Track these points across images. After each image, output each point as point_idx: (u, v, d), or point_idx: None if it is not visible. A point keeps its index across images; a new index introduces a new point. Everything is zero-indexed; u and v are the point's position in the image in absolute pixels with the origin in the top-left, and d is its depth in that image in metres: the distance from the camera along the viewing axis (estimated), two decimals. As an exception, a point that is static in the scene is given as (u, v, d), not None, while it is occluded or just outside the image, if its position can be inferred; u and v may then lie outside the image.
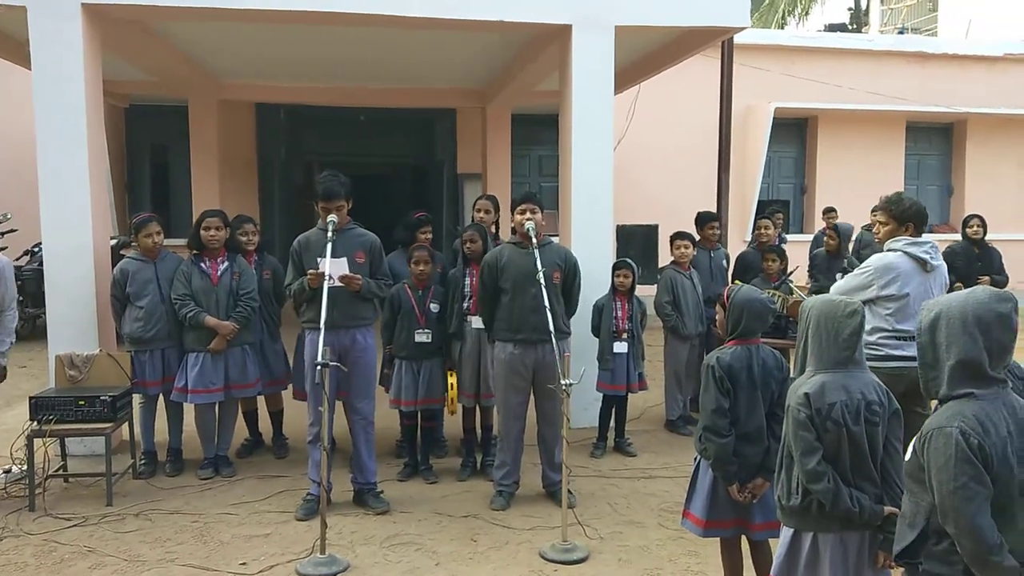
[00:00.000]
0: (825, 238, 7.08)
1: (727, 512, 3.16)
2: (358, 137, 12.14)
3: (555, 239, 5.08)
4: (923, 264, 3.86)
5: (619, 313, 5.57)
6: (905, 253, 3.88)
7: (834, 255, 6.82)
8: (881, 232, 4.05)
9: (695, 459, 3.28)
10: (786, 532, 2.64)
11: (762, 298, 3.27)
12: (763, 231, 6.94)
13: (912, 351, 3.82)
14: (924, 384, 2.18)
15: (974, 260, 7.11)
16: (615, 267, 5.67)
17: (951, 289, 4.52)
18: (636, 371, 5.61)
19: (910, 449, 2.16)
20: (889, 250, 3.95)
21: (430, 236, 5.50)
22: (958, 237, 7.80)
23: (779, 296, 5.29)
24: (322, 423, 4.05)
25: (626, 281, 5.60)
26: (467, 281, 5.06)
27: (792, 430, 2.53)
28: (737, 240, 10.92)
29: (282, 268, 5.19)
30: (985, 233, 7.25)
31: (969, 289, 2.19)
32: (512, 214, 4.72)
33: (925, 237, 4.01)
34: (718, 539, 3.35)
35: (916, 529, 2.13)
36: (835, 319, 2.55)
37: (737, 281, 5.37)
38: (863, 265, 4.01)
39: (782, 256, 6.32)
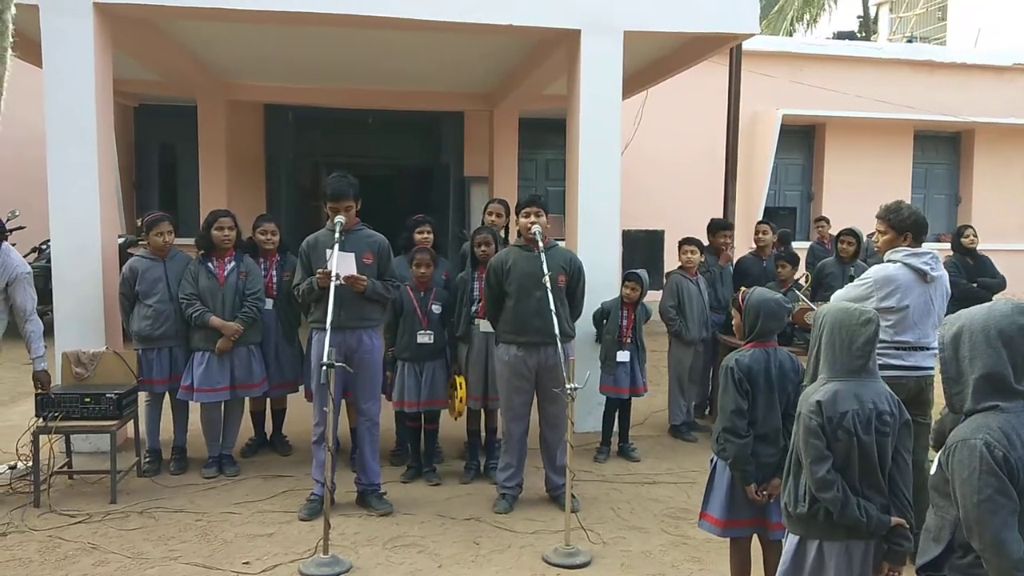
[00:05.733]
0: (841, 244, 6.51)
1: (745, 512, 3.18)
2: (365, 139, 12.16)
3: (561, 243, 5.07)
4: (923, 275, 3.83)
5: (624, 323, 5.58)
6: (905, 264, 3.85)
7: (848, 260, 6.39)
8: (880, 241, 4.03)
9: (711, 461, 3.29)
10: (791, 539, 2.63)
11: (777, 298, 3.28)
12: (761, 236, 6.79)
13: (911, 361, 3.84)
14: (948, 399, 2.15)
15: (972, 271, 7.14)
16: (625, 278, 5.67)
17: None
18: (640, 377, 5.61)
19: (935, 463, 2.13)
20: (889, 261, 3.93)
21: (428, 237, 5.43)
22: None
23: None
24: (327, 424, 4.05)
25: (633, 294, 5.60)
26: (475, 284, 5.06)
27: (803, 437, 2.52)
28: (744, 247, 10.89)
29: None
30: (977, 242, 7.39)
31: (991, 302, 2.16)
32: (516, 216, 4.72)
33: (928, 247, 3.98)
34: (721, 546, 3.34)
35: (942, 544, 2.10)
36: (850, 327, 2.52)
37: (743, 287, 5.36)
38: (863, 276, 3.99)
39: (794, 263, 6.29)
